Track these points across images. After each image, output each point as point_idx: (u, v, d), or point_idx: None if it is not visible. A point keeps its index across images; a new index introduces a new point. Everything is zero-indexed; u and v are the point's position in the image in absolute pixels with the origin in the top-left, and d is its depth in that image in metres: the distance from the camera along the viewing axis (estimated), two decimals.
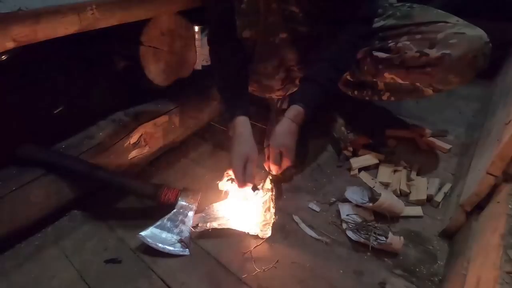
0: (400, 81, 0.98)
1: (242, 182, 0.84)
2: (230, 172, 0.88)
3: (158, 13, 0.98)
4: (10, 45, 0.69)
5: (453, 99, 1.41)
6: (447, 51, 0.85)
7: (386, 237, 0.77)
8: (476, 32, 0.85)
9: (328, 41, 0.88)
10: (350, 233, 0.82)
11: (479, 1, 1.46)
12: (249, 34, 0.87)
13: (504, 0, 1.51)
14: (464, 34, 0.85)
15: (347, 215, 0.86)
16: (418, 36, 0.90)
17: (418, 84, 0.98)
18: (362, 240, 0.79)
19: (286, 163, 0.87)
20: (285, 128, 0.85)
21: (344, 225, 0.84)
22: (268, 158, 0.88)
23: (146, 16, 0.95)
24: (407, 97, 1.07)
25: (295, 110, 0.85)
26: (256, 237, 0.83)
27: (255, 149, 0.88)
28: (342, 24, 0.86)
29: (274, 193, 0.90)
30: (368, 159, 1.06)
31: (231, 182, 0.91)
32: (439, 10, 0.94)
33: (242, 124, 0.89)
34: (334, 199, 0.94)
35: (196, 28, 1.22)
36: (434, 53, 0.86)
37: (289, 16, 0.86)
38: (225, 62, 0.94)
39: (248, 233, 0.84)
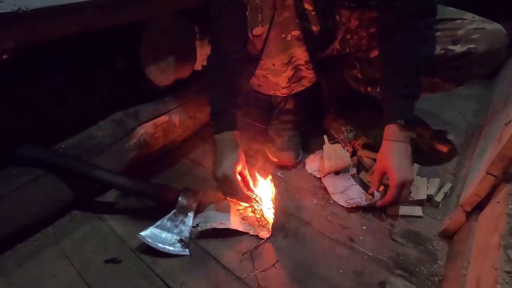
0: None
1: (247, 196, 0.85)
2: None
3: (158, 13, 0.98)
4: (10, 45, 0.68)
5: (453, 99, 1.41)
6: (472, 46, 0.86)
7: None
8: (494, 26, 0.87)
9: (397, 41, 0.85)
10: (336, 197, 0.88)
11: (478, 1, 1.46)
12: (261, 31, 0.85)
13: (503, 0, 1.51)
14: (484, 29, 0.86)
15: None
16: (438, 33, 0.90)
17: (439, 79, 0.97)
18: (351, 202, 0.85)
19: (405, 198, 0.85)
20: (407, 159, 0.83)
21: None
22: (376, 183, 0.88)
23: (146, 16, 0.95)
24: (426, 92, 1.06)
25: (401, 132, 0.83)
26: (256, 237, 0.83)
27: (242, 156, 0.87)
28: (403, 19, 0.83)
29: (274, 193, 0.90)
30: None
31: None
32: (452, 8, 0.94)
33: (227, 139, 0.87)
34: (334, 199, 0.94)
35: (196, 28, 1.22)
36: (459, 48, 0.87)
37: (302, 13, 0.85)
38: (225, 74, 0.92)
39: (248, 233, 0.84)
